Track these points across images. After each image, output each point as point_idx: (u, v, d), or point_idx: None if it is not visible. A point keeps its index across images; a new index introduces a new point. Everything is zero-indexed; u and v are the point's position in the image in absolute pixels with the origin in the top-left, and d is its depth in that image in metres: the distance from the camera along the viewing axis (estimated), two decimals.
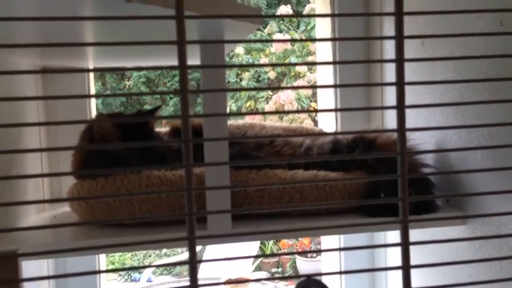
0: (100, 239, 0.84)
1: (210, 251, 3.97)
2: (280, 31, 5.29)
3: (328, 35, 1.31)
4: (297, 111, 4.68)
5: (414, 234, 0.93)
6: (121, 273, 4.65)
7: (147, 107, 5.45)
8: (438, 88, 0.98)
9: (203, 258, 4.09)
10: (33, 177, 0.93)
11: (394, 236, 1.22)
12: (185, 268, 4.49)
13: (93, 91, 1.26)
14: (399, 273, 0.56)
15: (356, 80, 1.26)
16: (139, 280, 4.08)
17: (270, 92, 5.07)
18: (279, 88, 5.05)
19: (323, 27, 1.37)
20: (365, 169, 0.99)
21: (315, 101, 4.57)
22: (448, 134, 0.98)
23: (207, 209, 0.86)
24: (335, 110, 1.37)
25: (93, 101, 1.27)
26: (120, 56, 1.04)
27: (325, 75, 1.36)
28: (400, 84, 0.54)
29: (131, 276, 4.31)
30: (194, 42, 0.53)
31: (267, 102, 4.87)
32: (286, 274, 4.51)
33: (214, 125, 0.86)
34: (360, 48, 1.27)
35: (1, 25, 0.67)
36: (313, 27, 4.78)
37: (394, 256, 1.24)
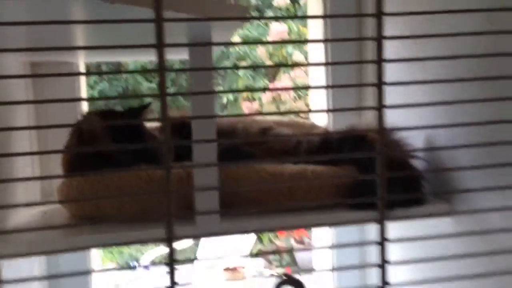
0: (87, 235, 0.84)
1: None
2: (277, 19, 5.27)
3: (320, 28, 1.31)
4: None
5: (404, 227, 0.95)
6: (118, 260, 4.68)
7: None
8: (429, 85, 0.99)
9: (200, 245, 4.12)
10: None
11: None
12: (183, 257, 4.52)
13: (84, 87, 1.26)
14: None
15: (348, 76, 1.26)
16: (135, 267, 4.10)
17: (267, 81, 5.07)
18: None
19: (315, 20, 1.37)
20: (355, 163, 0.99)
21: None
22: (438, 129, 0.98)
23: (196, 205, 0.87)
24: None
25: (84, 93, 1.28)
26: (110, 50, 1.04)
27: (318, 68, 1.36)
28: (379, 84, 0.55)
29: (129, 264, 4.34)
30: (174, 45, 0.53)
31: (264, 92, 4.86)
32: (284, 262, 4.54)
33: (202, 125, 0.87)
34: (353, 44, 1.27)
35: None
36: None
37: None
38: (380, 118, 0.53)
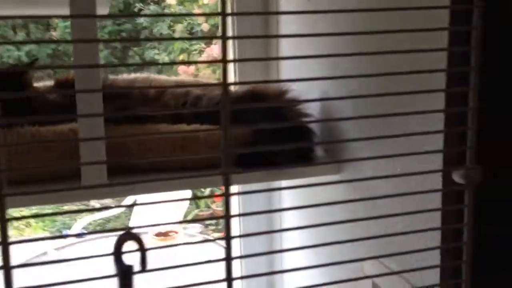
0: None
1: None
2: None
3: None
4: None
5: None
6: (51, 229, 4.57)
7: None
8: (320, 40, 0.99)
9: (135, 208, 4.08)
10: None
11: (291, 196, 1.25)
12: (120, 223, 4.47)
13: None
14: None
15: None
16: (66, 236, 4.02)
17: (203, 45, 4.98)
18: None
19: None
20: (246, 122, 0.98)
21: None
22: (329, 85, 0.98)
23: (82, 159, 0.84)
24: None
25: None
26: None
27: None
28: (224, 62, 0.54)
29: (60, 232, 4.25)
30: None
31: (200, 55, 4.78)
32: (220, 226, 4.56)
33: (85, 77, 0.83)
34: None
35: None
36: None
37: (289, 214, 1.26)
38: (224, 72, 0.52)
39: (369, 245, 0.78)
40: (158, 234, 3.29)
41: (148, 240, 3.31)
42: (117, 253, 0.58)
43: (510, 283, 0.68)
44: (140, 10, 5.00)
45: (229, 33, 1.30)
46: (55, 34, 5.25)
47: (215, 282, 0.57)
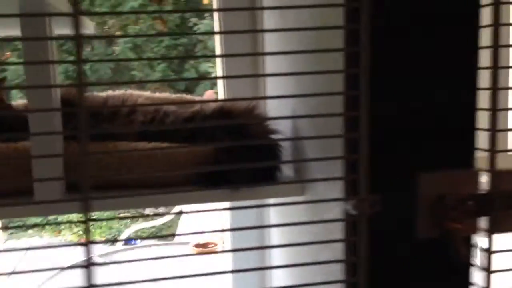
0: None
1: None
2: None
3: None
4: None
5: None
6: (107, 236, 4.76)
7: (135, 73, 5.46)
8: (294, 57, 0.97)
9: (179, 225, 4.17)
10: None
11: (277, 213, 1.23)
12: (170, 231, 4.58)
13: None
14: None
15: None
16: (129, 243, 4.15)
17: None
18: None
19: None
20: (213, 141, 0.98)
21: None
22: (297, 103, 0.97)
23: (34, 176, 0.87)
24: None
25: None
26: None
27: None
28: (79, 62, 0.54)
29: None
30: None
31: None
32: None
33: (37, 96, 0.87)
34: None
35: None
36: None
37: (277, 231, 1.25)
38: (79, 72, 0.53)
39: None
40: (197, 245, 3.34)
41: (188, 250, 3.37)
42: None
43: None
44: (195, 24, 5.14)
45: (218, 51, 1.33)
46: (117, 49, 5.52)
47: None
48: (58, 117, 0.90)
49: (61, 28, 0.91)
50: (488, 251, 0.60)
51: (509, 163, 0.59)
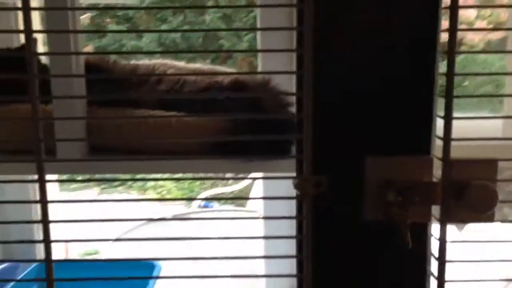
0: None
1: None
2: None
3: None
4: None
5: None
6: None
7: (223, 42, 5.57)
8: None
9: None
10: None
11: None
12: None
13: None
14: None
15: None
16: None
17: None
18: None
19: None
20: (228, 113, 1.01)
21: None
22: None
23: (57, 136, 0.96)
24: None
25: None
26: None
27: None
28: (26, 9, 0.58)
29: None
30: None
31: None
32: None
33: (59, 61, 0.95)
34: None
35: None
36: None
37: None
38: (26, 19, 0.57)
39: None
40: None
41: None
42: None
43: None
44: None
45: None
46: (207, 18, 5.64)
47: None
48: (80, 81, 0.98)
49: None
50: (442, 241, 0.59)
51: (464, 152, 0.56)
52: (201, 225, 3.32)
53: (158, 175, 1.14)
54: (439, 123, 0.57)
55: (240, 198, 4.62)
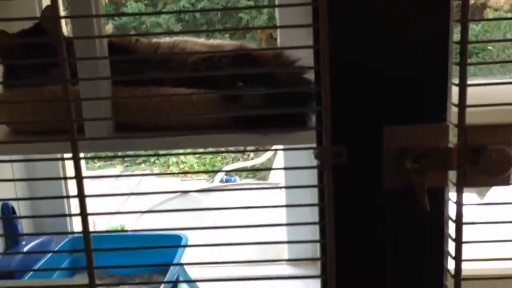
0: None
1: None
2: None
3: None
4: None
5: None
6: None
7: (242, 15, 5.54)
8: None
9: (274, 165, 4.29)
10: None
11: None
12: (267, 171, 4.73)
13: None
14: None
15: None
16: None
17: None
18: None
19: None
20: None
21: None
22: None
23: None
24: None
25: None
26: None
27: None
28: None
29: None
30: None
31: None
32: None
33: (84, 43, 0.97)
34: None
35: None
36: None
37: None
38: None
39: None
40: None
41: (279, 190, 3.49)
42: None
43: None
44: None
45: None
46: None
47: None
48: (105, 62, 1.01)
49: None
50: (458, 204, 0.61)
51: (478, 118, 0.58)
52: (223, 200, 3.38)
53: (181, 151, 1.17)
54: (455, 90, 0.59)
55: (261, 169, 4.65)
